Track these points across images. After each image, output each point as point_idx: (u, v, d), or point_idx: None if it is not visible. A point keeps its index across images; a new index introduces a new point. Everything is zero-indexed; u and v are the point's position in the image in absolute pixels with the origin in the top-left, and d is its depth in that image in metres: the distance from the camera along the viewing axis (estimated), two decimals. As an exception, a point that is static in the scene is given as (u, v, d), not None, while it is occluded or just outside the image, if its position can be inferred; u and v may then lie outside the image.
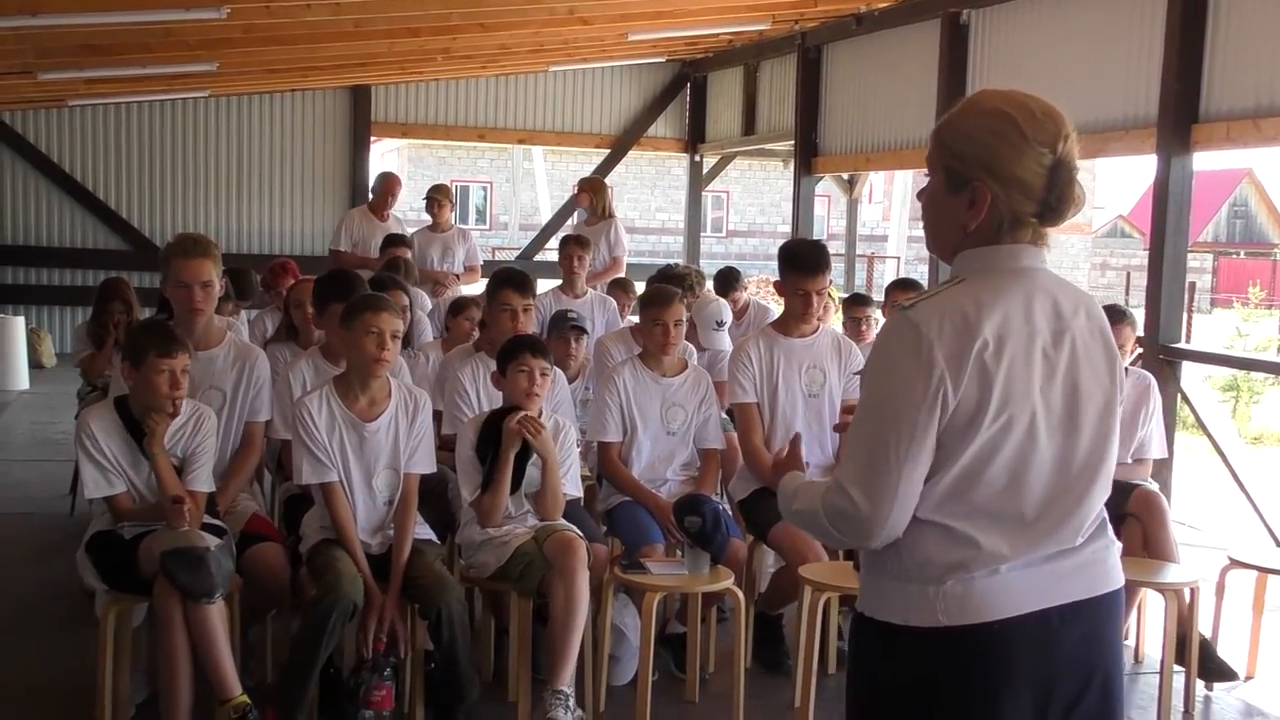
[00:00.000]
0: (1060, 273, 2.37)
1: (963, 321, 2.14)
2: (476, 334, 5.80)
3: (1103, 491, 2.26)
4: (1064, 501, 2.21)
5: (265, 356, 4.94)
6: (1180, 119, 7.45)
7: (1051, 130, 2.19)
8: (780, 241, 8.41)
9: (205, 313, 4.64)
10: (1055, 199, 2.20)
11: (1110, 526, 2.31)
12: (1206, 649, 5.05)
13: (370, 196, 10.07)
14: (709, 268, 9.87)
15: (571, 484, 4.72)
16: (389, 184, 9.90)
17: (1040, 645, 2.18)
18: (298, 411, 4.34)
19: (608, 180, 12.15)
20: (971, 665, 2.17)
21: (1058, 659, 2.19)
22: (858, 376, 5.17)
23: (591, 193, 9.81)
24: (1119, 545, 2.34)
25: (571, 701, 4.27)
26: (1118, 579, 2.30)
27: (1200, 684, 5.02)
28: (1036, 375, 2.17)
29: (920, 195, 2.38)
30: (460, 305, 6.23)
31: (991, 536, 2.16)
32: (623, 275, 8.89)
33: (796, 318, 5.14)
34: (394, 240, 8.54)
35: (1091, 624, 2.23)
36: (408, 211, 13.49)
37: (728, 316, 6.66)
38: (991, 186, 2.19)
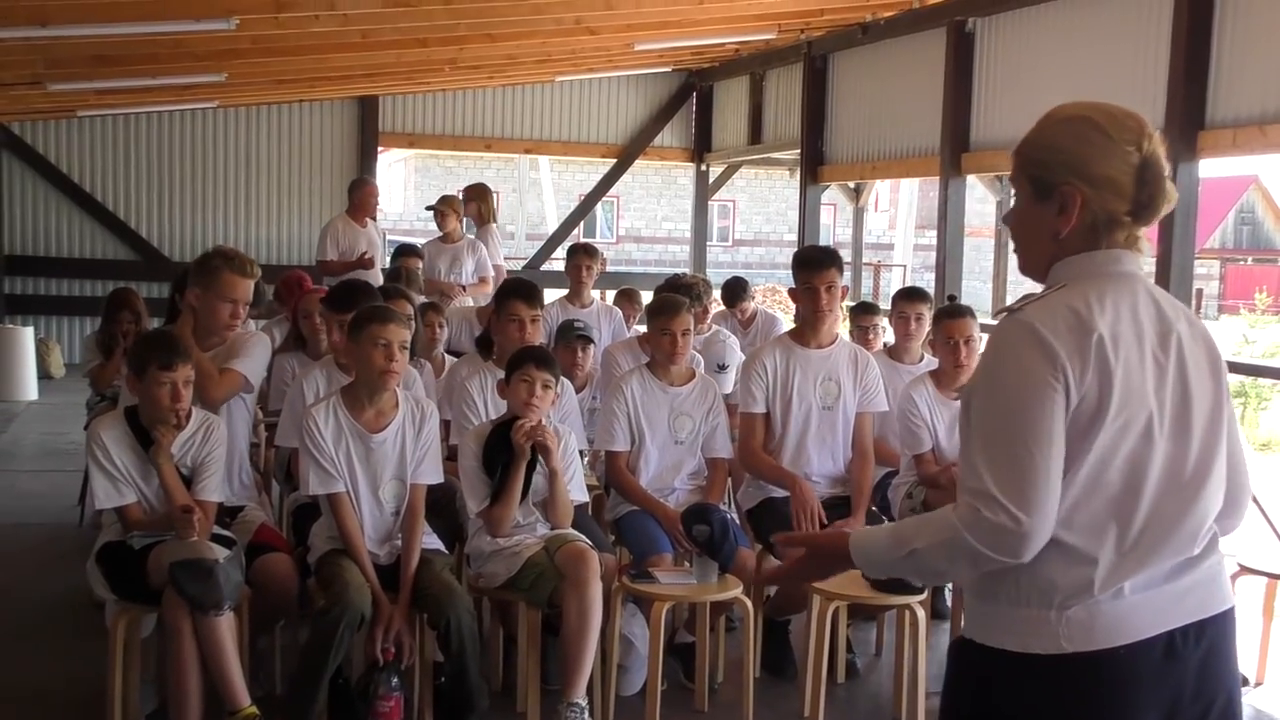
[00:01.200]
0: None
1: (1075, 318, 2.10)
2: (441, 342, 5.87)
3: (1213, 500, 2.19)
4: (1173, 509, 2.14)
5: (264, 339, 4.96)
6: (1187, 125, 7.45)
7: (1134, 129, 2.18)
8: (786, 250, 8.43)
9: (235, 330, 4.69)
10: (1147, 196, 2.17)
11: (1219, 541, 2.23)
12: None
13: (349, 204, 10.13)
14: (715, 277, 9.89)
15: (576, 489, 4.73)
16: (368, 190, 9.97)
17: (1165, 668, 2.12)
18: (305, 423, 4.35)
19: (614, 190, 12.20)
20: (1096, 693, 2.09)
21: (1182, 682, 2.14)
22: (870, 390, 5.18)
23: (480, 201, 9.87)
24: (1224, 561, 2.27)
25: (588, 713, 4.27)
26: (1229, 597, 2.24)
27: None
28: (1150, 376, 2.13)
29: (1007, 219, 2.34)
30: (421, 312, 6.06)
31: (1109, 552, 2.09)
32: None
33: (809, 319, 5.12)
34: (404, 251, 8.58)
35: (1212, 644, 2.18)
36: (415, 222, 13.51)
37: (733, 360, 6.65)
38: (1081, 188, 2.16)
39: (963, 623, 2.28)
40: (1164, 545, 2.13)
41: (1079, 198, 2.17)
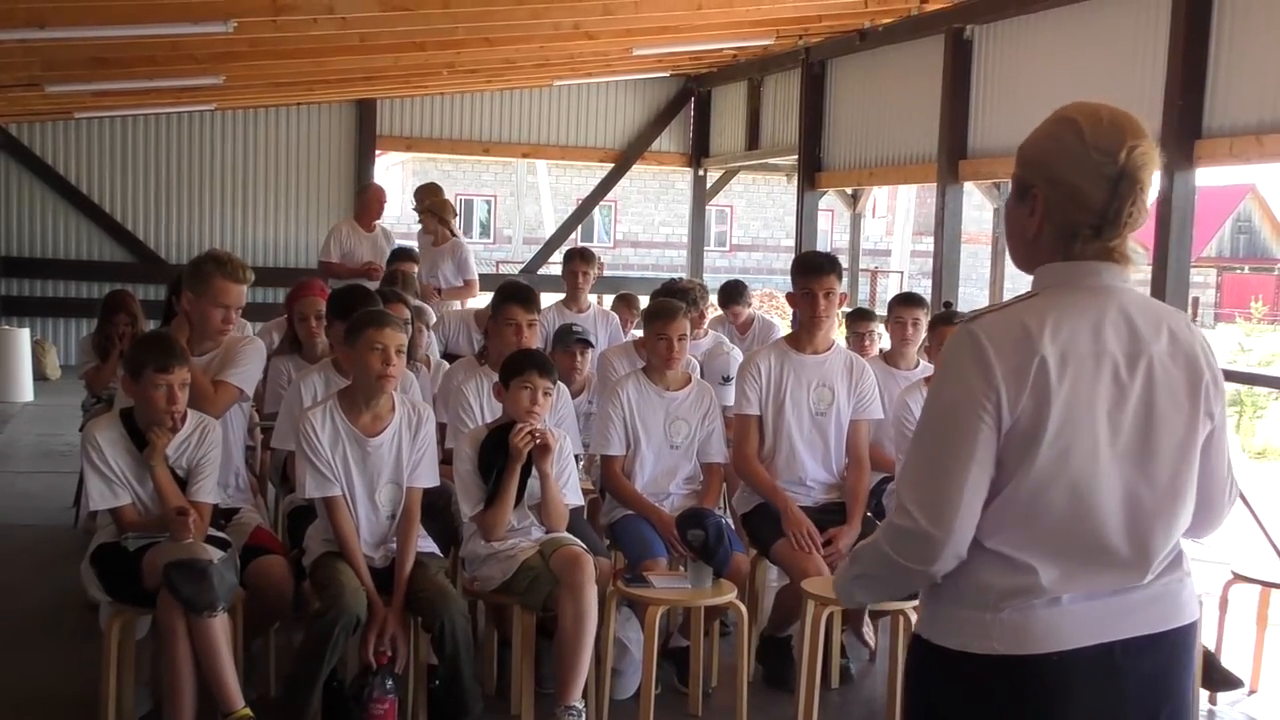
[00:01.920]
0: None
1: (1024, 335, 2.07)
2: (423, 346, 5.83)
3: (1179, 526, 2.16)
4: (1130, 533, 2.11)
5: (259, 344, 4.94)
6: (1183, 134, 7.47)
7: (1115, 138, 2.10)
8: (784, 256, 8.41)
9: (228, 334, 4.68)
10: (1113, 212, 2.11)
11: (1185, 558, 2.21)
12: (1211, 662, 5.05)
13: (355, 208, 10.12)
14: (713, 282, 9.88)
15: (571, 493, 4.73)
16: (373, 195, 9.98)
17: (1102, 680, 2.10)
18: (300, 426, 4.35)
19: (612, 194, 12.15)
20: (1027, 696, 2.10)
21: (1123, 695, 2.11)
22: (865, 398, 5.18)
23: (431, 196, 9.83)
24: (1193, 577, 2.23)
25: (582, 718, 4.27)
26: (1191, 612, 2.20)
27: (1204, 697, 5.02)
28: (1103, 398, 2.08)
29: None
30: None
31: (1050, 567, 2.08)
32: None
33: (806, 324, 5.11)
34: (400, 254, 8.57)
35: (1160, 660, 2.15)
36: (412, 225, 13.50)
37: (734, 371, 6.63)
38: (1045, 192, 2.14)
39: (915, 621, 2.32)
40: (1120, 569, 2.12)
41: (1043, 202, 2.15)
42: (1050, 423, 2.05)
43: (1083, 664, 2.08)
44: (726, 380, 6.11)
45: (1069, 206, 2.13)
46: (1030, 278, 2.24)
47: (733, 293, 8.05)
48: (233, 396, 4.68)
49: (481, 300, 7.70)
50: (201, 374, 4.54)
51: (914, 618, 4.53)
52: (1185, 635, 2.20)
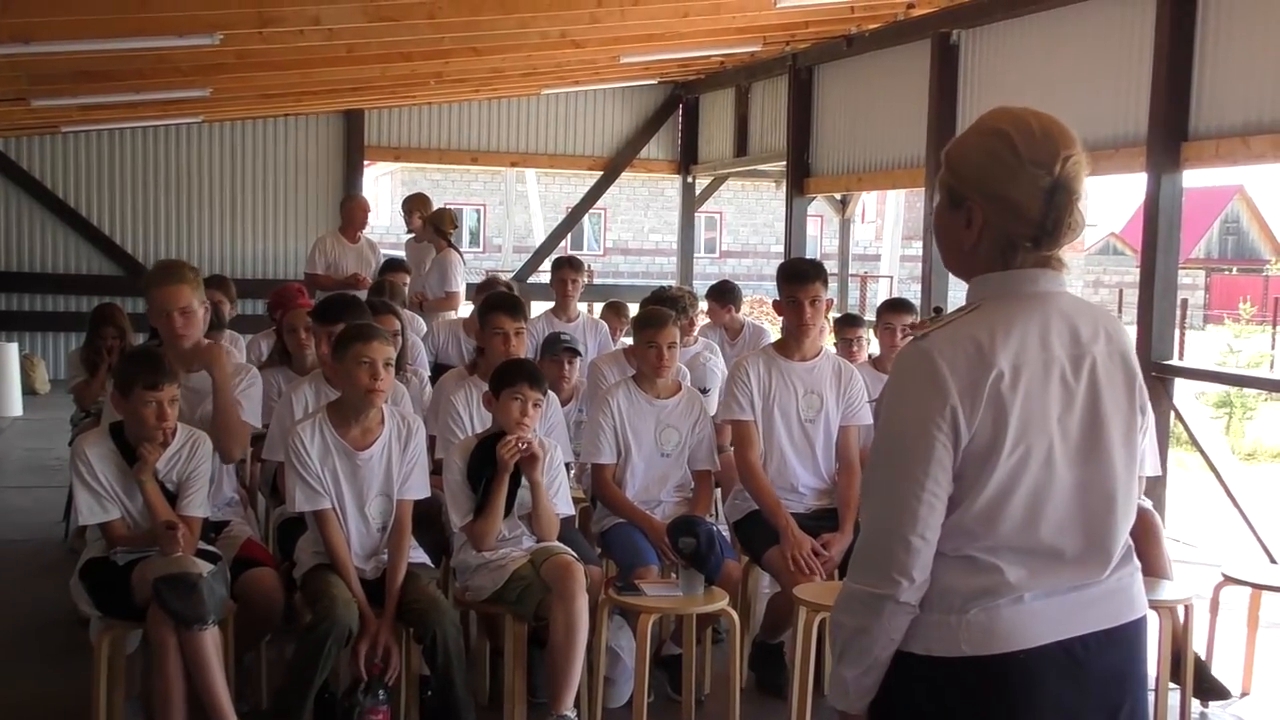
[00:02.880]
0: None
1: (976, 351, 2.09)
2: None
3: (1127, 518, 2.21)
4: (1088, 531, 2.15)
5: (257, 377, 4.94)
6: (1170, 137, 7.50)
7: (1049, 150, 2.11)
8: (773, 262, 8.39)
9: (189, 338, 4.62)
10: (1051, 223, 2.12)
11: (1135, 553, 2.25)
12: (1201, 667, 5.05)
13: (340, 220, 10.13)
14: (702, 289, 9.87)
15: (562, 502, 4.73)
16: (357, 206, 10.00)
17: (1067, 676, 2.12)
18: (290, 440, 4.34)
19: (601, 202, 12.15)
20: (995, 696, 2.11)
21: (1086, 690, 2.14)
22: (854, 403, 5.18)
23: (420, 210, 9.87)
24: (1140, 572, 2.28)
25: (576, 725, 4.27)
26: (1142, 606, 2.25)
27: (1195, 702, 5.02)
28: (1054, 404, 2.12)
29: (933, 214, 2.33)
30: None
31: (1015, 566, 2.11)
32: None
33: (794, 332, 5.11)
34: (390, 265, 8.57)
35: (1119, 654, 2.19)
36: (400, 235, 13.52)
37: (714, 384, 6.62)
38: (984, 207, 2.14)
39: None
40: (1077, 565, 2.15)
41: (981, 216, 2.15)
42: (1008, 434, 2.08)
43: (1047, 661, 2.11)
44: (705, 392, 6.10)
45: (1006, 220, 2.14)
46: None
47: (723, 293, 8.02)
48: (247, 440, 4.77)
49: (466, 310, 7.70)
50: (234, 410, 4.58)
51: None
52: (1139, 629, 2.24)
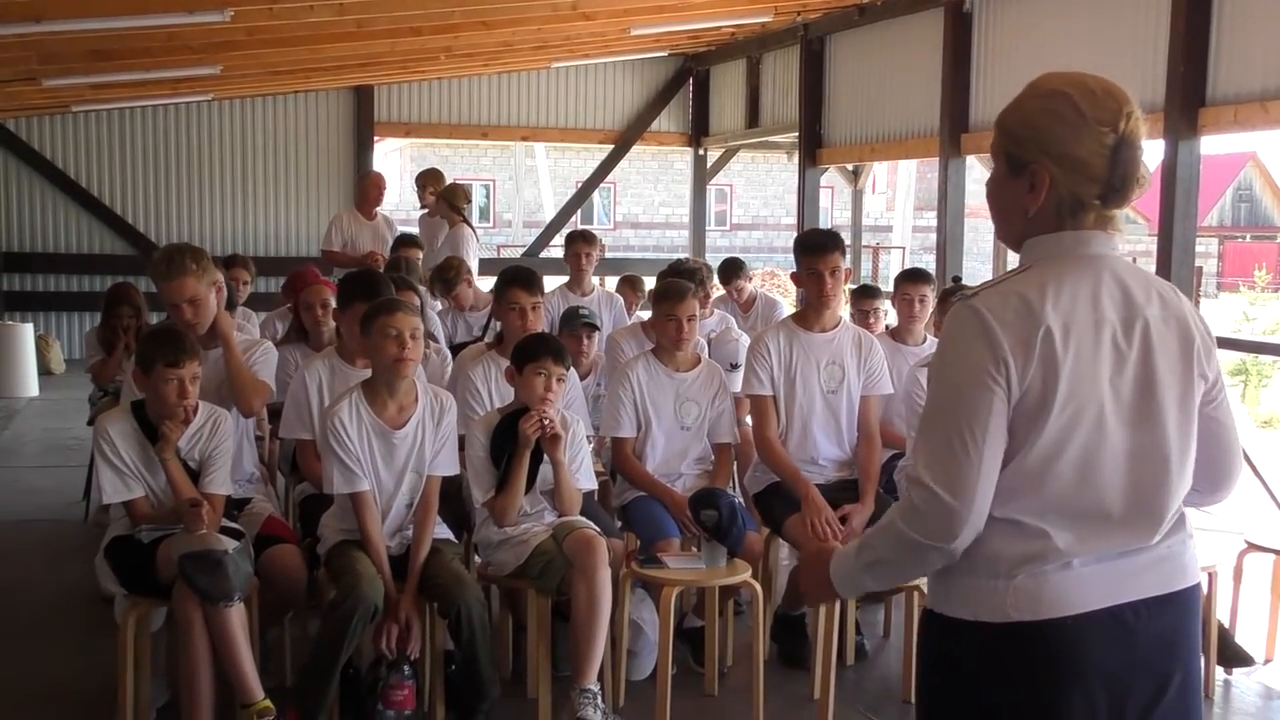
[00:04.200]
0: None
1: (1026, 308, 2.08)
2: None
3: (1182, 485, 2.18)
4: (1139, 495, 2.13)
5: (271, 348, 4.93)
6: (1187, 103, 7.44)
7: (1112, 108, 2.12)
8: (785, 234, 8.36)
9: (201, 325, 4.61)
10: (1119, 179, 2.13)
11: (1188, 520, 2.23)
12: (1224, 634, 5.05)
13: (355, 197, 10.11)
14: (714, 261, 9.86)
15: (585, 477, 4.72)
16: (373, 182, 9.98)
17: (1115, 642, 2.11)
18: (328, 422, 4.32)
19: (612, 176, 12.11)
20: (1042, 662, 2.10)
21: (1134, 657, 2.13)
22: (875, 374, 5.16)
23: (434, 184, 9.81)
24: (1195, 539, 2.26)
25: (600, 699, 4.27)
26: (1194, 574, 2.23)
27: (1219, 669, 5.02)
28: (1105, 365, 2.10)
29: (987, 185, 2.32)
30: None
31: (1063, 531, 2.09)
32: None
33: (814, 304, 5.08)
34: (404, 241, 8.56)
35: (1169, 621, 2.17)
36: (411, 211, 13.49)
37: (743, 359, 6.60)
38: (1050, 168, 2.13)
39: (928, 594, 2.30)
40: (1128, 530, 2.13)
41: (1048, 178, 2.14)
42: (1059, 392, 2.07)
43: (1096, 627, 2.10)
44: (734, 368, 6.07)
45: (1074, 180, 2.13)
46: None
47: (731, 270, 8.02)
48: (267, 394, 4.75)
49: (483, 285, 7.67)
50: (245, 367, 4.59)
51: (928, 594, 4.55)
52: (1192, 597, 2.22)
